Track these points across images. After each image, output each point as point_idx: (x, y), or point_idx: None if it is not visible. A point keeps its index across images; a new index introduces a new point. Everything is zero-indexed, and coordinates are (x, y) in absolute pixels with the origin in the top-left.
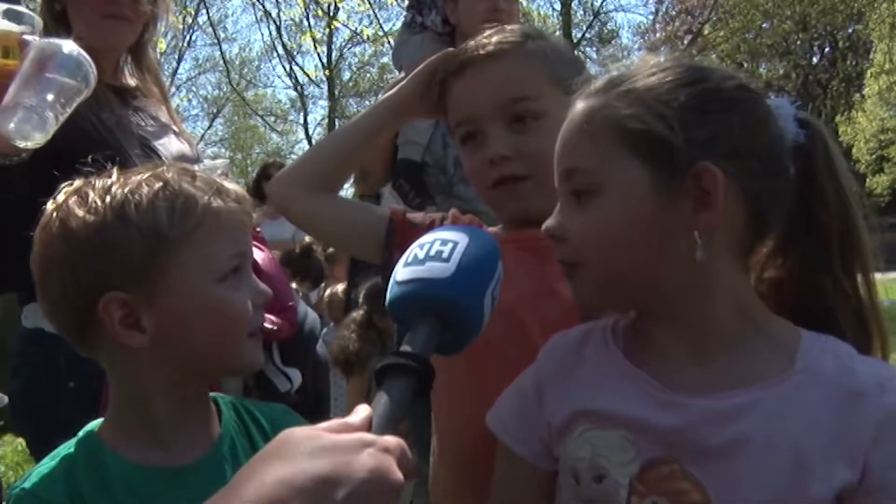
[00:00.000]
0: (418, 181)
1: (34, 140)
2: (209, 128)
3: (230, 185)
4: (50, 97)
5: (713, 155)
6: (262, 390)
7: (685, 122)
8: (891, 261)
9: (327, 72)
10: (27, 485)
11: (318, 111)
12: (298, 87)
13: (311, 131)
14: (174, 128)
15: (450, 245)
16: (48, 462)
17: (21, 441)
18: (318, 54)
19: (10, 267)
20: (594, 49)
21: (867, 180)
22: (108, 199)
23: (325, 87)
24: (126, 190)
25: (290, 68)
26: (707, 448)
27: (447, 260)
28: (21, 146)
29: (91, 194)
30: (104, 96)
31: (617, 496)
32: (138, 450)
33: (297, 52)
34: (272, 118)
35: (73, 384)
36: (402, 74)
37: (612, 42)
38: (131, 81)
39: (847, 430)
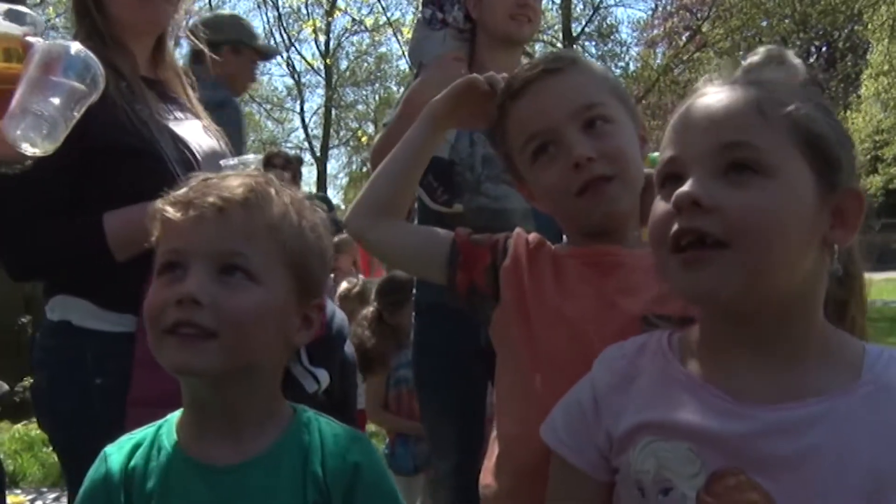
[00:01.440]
0: (446, 178)
1: (42, 147)
2: None
3: (208, 192)
4: (58, 102)
5: (850, 180)
6: (290, 391)
7: (844, 144)
8: (883, 261)
9: (326, 60)
10: (112, 444)
11: (315, 100)
12: (295, 75)
13: (307, 120)
14: (202, 121)
15: None
16: (138, 430)
17: (19, 428)
18: (316, 42)
19: (39, 255)
20: (593, 44)
21: (862, 180)
22: None
23: (322, 75)
24: None
25: (288, 56)
26: (775, 458)
27: None
28: (29, 153)
29: None
30: (139, 88)
31: None
32: (191, 440)
33: (295, 40)
34: (268, 106)
35: (99, 381)
36: (420, 75)
37: (611, 37)
38: (160, 74)
39: None
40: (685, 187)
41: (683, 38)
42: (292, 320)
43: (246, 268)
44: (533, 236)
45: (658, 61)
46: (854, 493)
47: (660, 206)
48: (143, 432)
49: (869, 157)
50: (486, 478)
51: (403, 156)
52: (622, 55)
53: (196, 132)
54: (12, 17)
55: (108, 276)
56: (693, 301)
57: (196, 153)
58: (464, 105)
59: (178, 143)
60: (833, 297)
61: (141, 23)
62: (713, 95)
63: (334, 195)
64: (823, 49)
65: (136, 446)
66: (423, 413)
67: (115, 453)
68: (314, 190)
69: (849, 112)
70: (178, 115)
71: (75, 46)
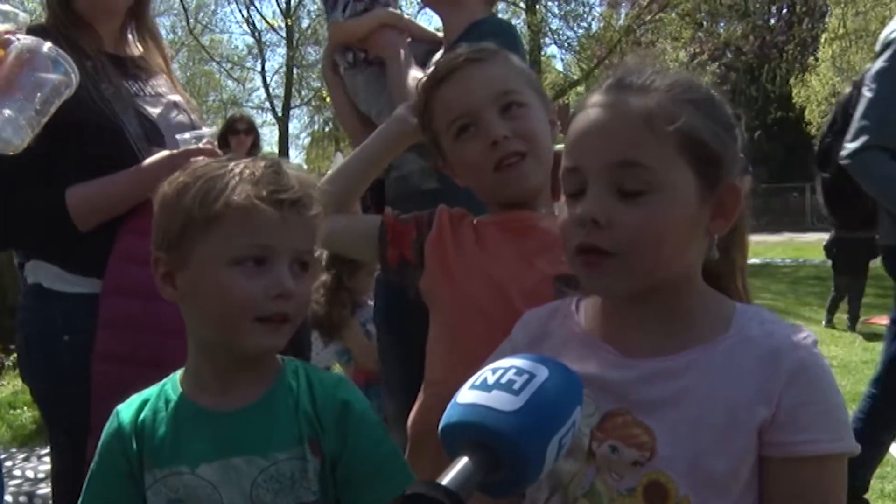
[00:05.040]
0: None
1: (12, 147)
2: None
3: (301, 191)
4: (28, 101)
5: (733, 172)
6: None
7: (726, 141)
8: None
9: (288, 20)
10: (123, 403)
11: (277, 59)
12: (256, 34)
13: (268, 79)
14: (175, 97)
15: (525, 376)
16: (146, 390)
17: None
18: (277, 1)
19: (11, 226)
20: (556, 3)
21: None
22: (181, 178)
23: (283, 34)
24: (194, 175)
25: (248, 14)
26: (655, 400)
27: (517, 392)
28: None
29: (179, 172)
30: (103, 66)
31: (581, 443)
32: (195, 390)
33: None
34: (229, 65)
35: (67, 337)
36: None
37: None
38: (135, 50)
39: (767, 379)
40: (585, 206)
41: None
42: None
43: None
44: (456, 210)
45: (620, 22)
46: (717, 428)
47: (565, 212)
48: (151, 390)
49: (825, 119)
50: (413, 421)
51: (366, 161)
52: (585, 15)
53: (165, 108)
54: None
55: (74, 244)
56: (593, 294)
57: (161, 128)
58: None
59: (143, 119)
60: (715, 265)
61: (96, 9)
62: (605, 108)
63: (296, 155)
64: (784, 12)
65: (144, 402)
66: (380, 355)
67: (125, 410)
68: (276, 151)
69: (807, 75)
70: (149, 91)
71: (47, 45)
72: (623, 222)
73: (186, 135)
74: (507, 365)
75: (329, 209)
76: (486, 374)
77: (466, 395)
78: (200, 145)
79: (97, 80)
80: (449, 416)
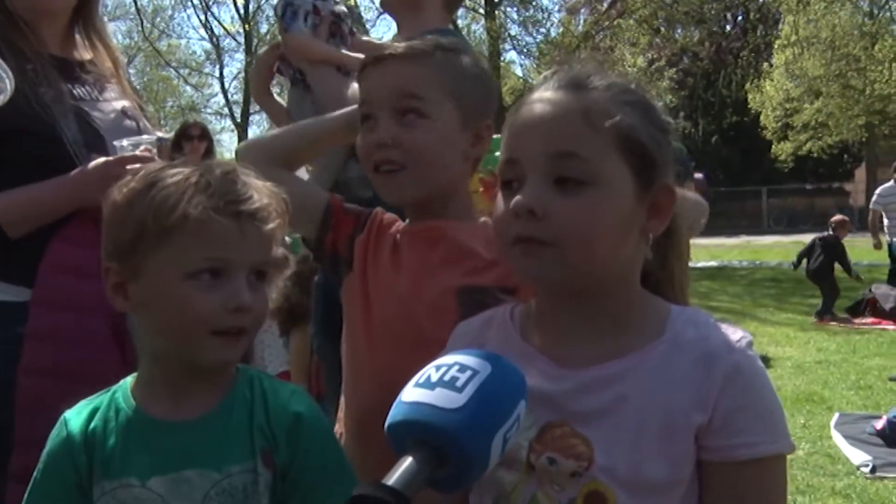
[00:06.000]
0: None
1: None
2: None
3: (259, 201)
4: None
5: (667, 174)
6: None
7: (662, 144)
8: (792, 224)
9: (246, 25)
10: (71, 408)
11: (235, 64)
12: (214, 39)
13: (227, 85)
14: (124, 103)
15: (468, 373)
16: (95, 395)
17: None
18: (235, 6)
19: None
20: (515, 9)
21: (773, 147)
22: (132, 184)
23: (241, 39)
24: (146, 182)
25: (206, 19)
26: (591, 410)
27: (460, 390)
28: None
29: (129, 178)
30: (44, 69)
31: (519, 455)
32: (148, 400)
33: (213, 3)
34: (186, 70)
35: None
36: None
37: (533, 3)
38: (85, 54)
39: (702, 384)
40: (522, 196)
41: (605, 4)
42: None
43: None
44: (388, 216)
45: (579, 28)
46: (654, 434)
47: (501, 205)
48: (100, 398)
49: (780, 124)
50: (338, 425)
51: (318, 129)
52: (544, 21)
53: (112, 113)
54: None
55: (2, 251)
56: (528, 282)
57: (106, 135)
58: None
59: (85, 124)
60: (654, 274)
61: (33, 8)
62: (546, 102)
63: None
64: (739, 19)
65: (94, 410)
66: (323, 360)
67: (74, 418)
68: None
69: (761, 81)
70: (95, 95)
71: None
72: (560, 213)
73: (124, 141)
74: (451, 361)
75: (267, 157)
76: (430, 371)
77: (411, 393)
78: (137, 152)
79: (36, 83)
80: (394, 414)
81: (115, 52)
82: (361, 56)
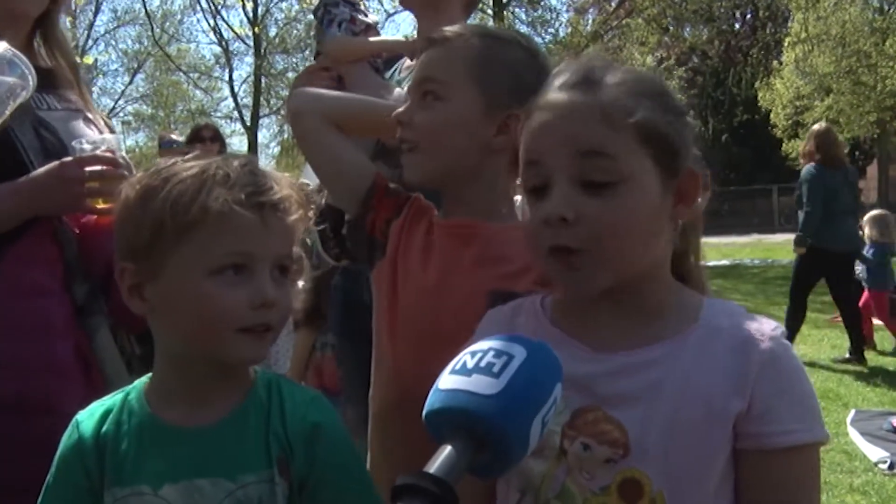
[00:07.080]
0: (340, 233)
1: None
2: (130, 83)
3: (281, 192)
4: None
5: (689, 159)
6: None
7: (681, 129)
8: (792, 221)
9: (255, 28)
10: (83, 410)
11: (244, 68)
12: (223, 43)
13: (236, 89)
14: (86, 113)
15: (504, 358)
16: (108, 396)
17: None
18: (244, 9)
19: None
20: (523, 10)
21: (783, 145)
22: (145, 181)
23: (251, 42)
24: (160, 177)
25: (215, 23)
26: (625, 394)
27: (497, 375)
28: None
29: (142, 174)
30: None
31: (552, 441)
32: (161, 405)
33: (222, 7)
34: (196, 74)
35: None
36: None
37: (541, 3)
38: (44, 63)
39: (740, 370)
40: (551, 204)
41: (613, 4)
42: None
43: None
44: (425, 202)
45: (588, 28)
46: (691, 420)
47: (530, 213)
48: (112, 399)
49: (790, 122)
50: (371, 396)
51: (384, 108)
52: (552, 21)
53: (73, 121)
54: None
55: None
56: (573, 296)
57: (65, 143)
58: None
59: (43, 131)
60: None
61: (15, 5)
62: (562, 103)
63: (266, 165)
64: (748, 17)
65: (107, 412)
66: (338, 362)
67: (87, 420)
68: None
69: (771, 79)
70: (54, 104)
71: (2, 45)
72: (591, 215)
73: (84, 141)
74: (486, 347)
75: (324, 114)
76: (465, 357)
77: (447, 380)
78: (98, 152)
79: None
80: (431, 402)
81: (73, 61)
82: (401, 39)
